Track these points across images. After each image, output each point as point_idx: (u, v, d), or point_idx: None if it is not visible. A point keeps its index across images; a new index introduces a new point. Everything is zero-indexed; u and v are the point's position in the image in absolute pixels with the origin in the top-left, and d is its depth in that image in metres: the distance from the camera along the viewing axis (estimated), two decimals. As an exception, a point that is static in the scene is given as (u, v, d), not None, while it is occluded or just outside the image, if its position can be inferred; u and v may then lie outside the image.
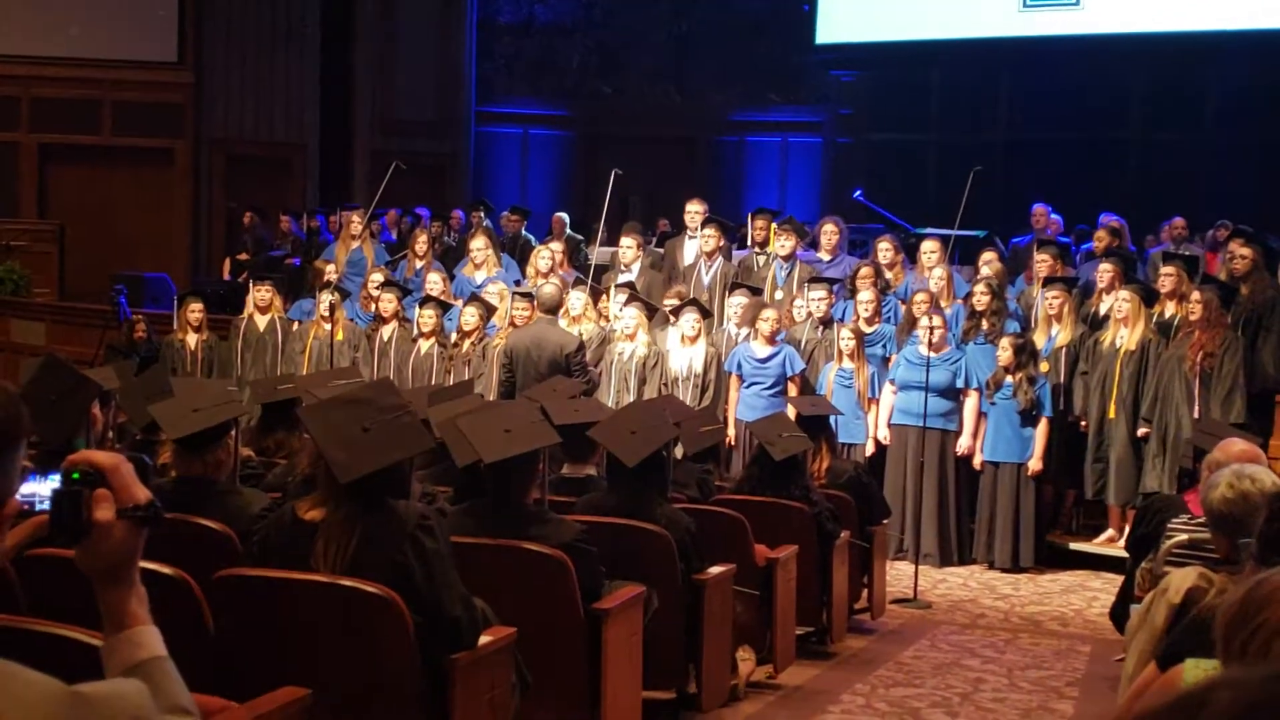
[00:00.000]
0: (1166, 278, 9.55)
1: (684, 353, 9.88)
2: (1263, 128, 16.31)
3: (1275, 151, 16.22)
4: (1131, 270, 10.33)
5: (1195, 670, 2.37)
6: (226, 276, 15.43)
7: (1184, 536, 4.50)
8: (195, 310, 11.26)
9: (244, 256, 15.46)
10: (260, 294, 11.27)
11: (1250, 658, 1.52)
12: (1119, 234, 11.60)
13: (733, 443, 9.68)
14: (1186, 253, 11.18)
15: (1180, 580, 3.64)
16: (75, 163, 17.76)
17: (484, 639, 3.97)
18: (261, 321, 11.21)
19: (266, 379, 9.73)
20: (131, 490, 1.79)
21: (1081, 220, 13.44)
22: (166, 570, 3.79)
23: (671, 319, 10.15)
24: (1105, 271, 9.96)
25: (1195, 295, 8.94)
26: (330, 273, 11.60)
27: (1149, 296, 9.46)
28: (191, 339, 11.18)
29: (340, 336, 10.70)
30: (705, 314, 10.12)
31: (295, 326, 11.20)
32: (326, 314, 10.74)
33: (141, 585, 1.82)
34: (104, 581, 1.79)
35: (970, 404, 9.45)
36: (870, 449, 9.62)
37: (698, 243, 11.28)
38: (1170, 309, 9.46)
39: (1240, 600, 1.58)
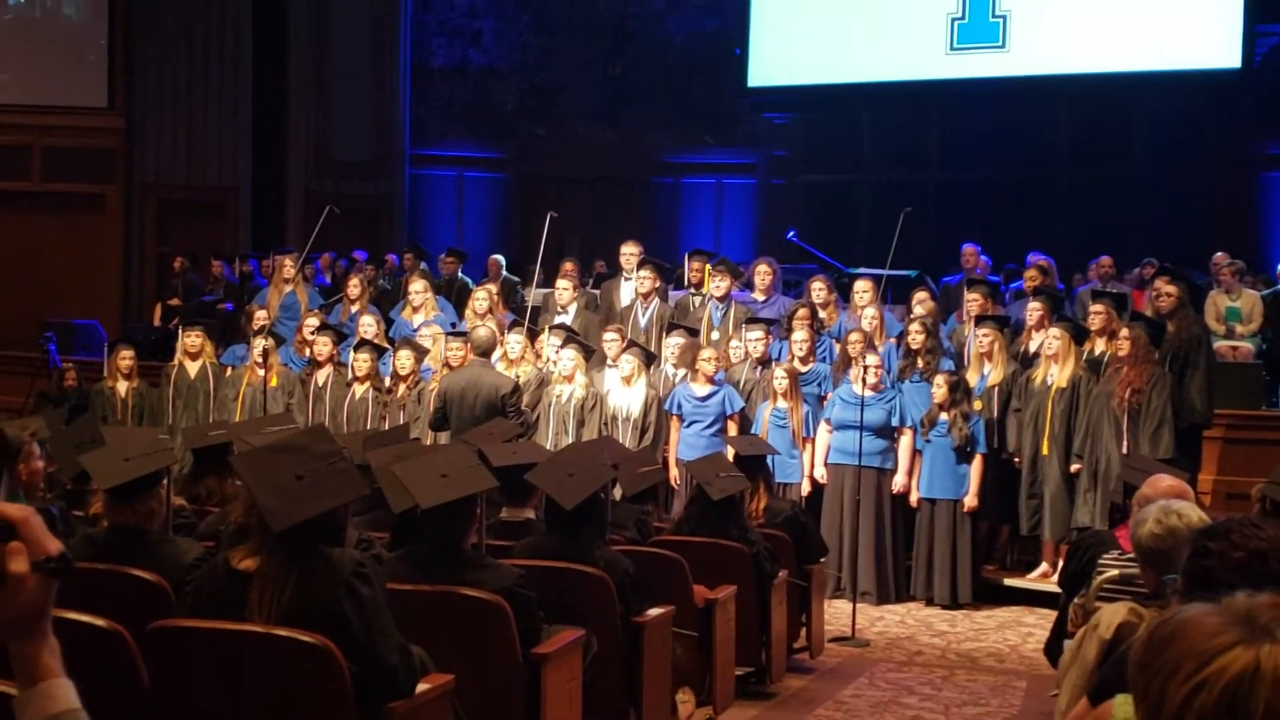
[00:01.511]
0: (1096, 315, 9.68)
1: (623, 394, 9.89)
2: (1185, 166, 16.63)
3: (1198, 190, 16.54)
4: (1060, 308, 10.47)
5: (1125, 706, 2.40)
6: (157, 323, 15.30)
7: (1115, 572, 4.55)
8: (126, 357, 11.13)
9: (175, 302, 15.34)
10: (190, 340, 11.15)
11: (1150, 701, 1.53)
12: (1047, 272, 11.75)
13: (675, 483, 9.70)
14: (1114, 290, 11.35)
15: (1111, 615, 3.68)
16: (4, 209, 17.58)
17: (421, 686, 3.95)
18: (192, 368, 11.09)
19: (198, 425, 9.65)
20: (43, 543, 1.78)
21: (1010, 259, 13.62)
22: (100, 622, 3.75)
23: (611, 361, 10.15)
24: (1034, 310, 10.08)
25: (1124, 332, 9.07)
26: (262, 318, 11.53)
27: (1079, 334, 9.58)
28: (122, 386, 11.04)
29: (274, 382, 10.62)
30: (649, 358, 10.15)
31: (228, 372, 11.10)
32: (260, 359, 10.66)
33: (54, 637, 1.80)
34: (16, 634, 1.77)
35: (905, 442, 9.52)
36: (806, 488, 9.66)
37: (634, 284, 11.33)
38: (1100, 346, 9.59)
39: (1143, 643, 1.59)
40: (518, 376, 9.97)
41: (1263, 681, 1.46)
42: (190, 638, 3.83)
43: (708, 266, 11.51)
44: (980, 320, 9.97)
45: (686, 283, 11.99)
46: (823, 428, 9.66)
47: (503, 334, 10.42)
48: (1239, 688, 1.46)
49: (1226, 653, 1.49)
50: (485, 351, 9.75)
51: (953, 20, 16.80)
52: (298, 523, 3.72)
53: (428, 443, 9.71)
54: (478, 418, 9.05)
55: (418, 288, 11.82)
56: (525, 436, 9.41)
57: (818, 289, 11.16)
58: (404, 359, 10.30)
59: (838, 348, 10.25)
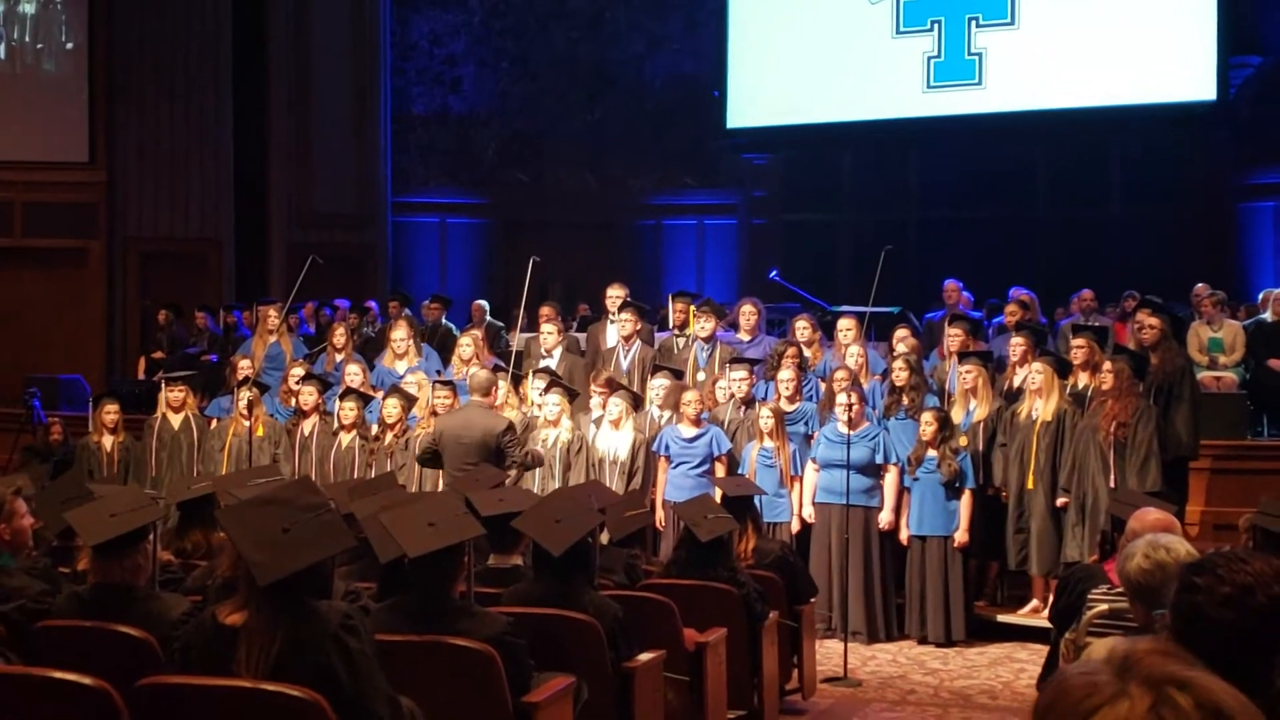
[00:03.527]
0: (1078, 349, 9.70)
1: (610, 437, 9.88)
2: (1164, 198, 16.74)
3: (1177, 221, 16.64)
4: (1042, 342, 10.50)
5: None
6: (142, 376, 15.27)
7: (1105, 607, 4.54)
8: (110, 411, 11.09)
9: (159, 355, 15.32)
10: (173, 394, 11.12)
11: None
12: (1029, 307, 11.80)
13: (660, 525, 9.68)
14: (1096, 324, 11.39)
15: (1101, 651, 3.67)
16: (-14, 265, 17.57)
17: (412, 738, 3.93)
18: (175, 420, 11.06)
19: (182, 478, 9.61)
20: None
21: (992, 295, 13.66)
22: (86, 680, 3.73)
23: (601, 406, 10.13)
24: (1017, 345, 10.10)
25: (1107, 365, 9.09)
26: (246, 368, 11.50)
27: (1062, 368, 9.60)
28: (107, 440, 11.01)
29: (260, 432, 10.59)
30: (636, 402, 10.14)
31: (213, 424, 11.07)
32: (245, 410, 10.63)
33: None
34: None
35: (890, 479, 9.52)
36: (795, 527, 9.65)
37: (618, 327, 11.34)
38: (1083, 380, 9.61)
39: (1035, 710, 1.60)
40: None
41: None
42: (178, 694, 3.81)
43: (692, 308, 11.53)
44: (963, 356, 9.98)
45: (670, 324, 12.01)
46: (810, 467, 9.65)
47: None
48: None
49: (1096, 714, 1.49)
50: (484, 393, 9.68)
51: (929, 58, 16.92)
52: (284, 576, 3.71)
53: (415, 478, 9.72)
54: (471, 459, 9.01)
55: (400, 335, 11.82)
56: (530, 468, 9.43)
57: (802, 328, 11.17)
58: (391, 406, 10.28)
59: (823, 386, 10.26)
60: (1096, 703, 1.49)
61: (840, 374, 9.85)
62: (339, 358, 11.92)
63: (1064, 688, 1.54)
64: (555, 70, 19.82)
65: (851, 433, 9.26)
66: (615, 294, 11.65)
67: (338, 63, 19.01)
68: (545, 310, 12.30)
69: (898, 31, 17.14)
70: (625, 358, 11.11)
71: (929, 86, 16.98)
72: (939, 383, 10.49)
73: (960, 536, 9.34)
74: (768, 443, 9.64)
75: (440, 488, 9.18)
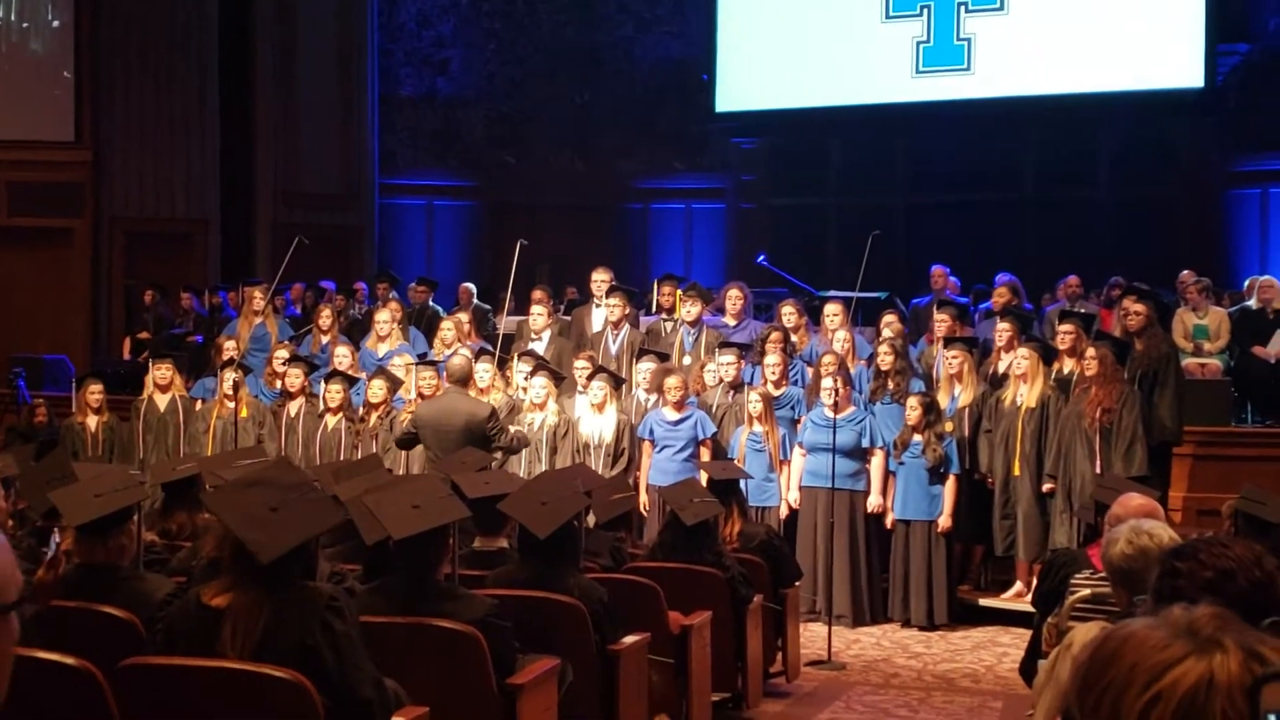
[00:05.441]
0: (1065, 335, 9.72)
1: (595, 421, 9.88)
2: (1151, 186, 16.77)
3: (1164, 208, 16.67)
4: (1029, 328, 10.52)
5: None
6: (127, 356, 15.22)
7: (1087, 591, 4.56)
8: (95, 392, 11.07)
9: (144, 335, 15.26)
10: (160, 373, 11.09)
11: (1102, 717, 1.53)
12: (1016, 293, 11.81)
13: (644, 509, 9.68)
14: (1083, 310, 11.41)
15: (1083, 635, 3.69)
16: (-30, 245, 17.45)
17: (396, 720, 3.93)
18: (162, 401, 11.03)
19: (166, 459, 9.59)
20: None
21: (979, 280, 13.67)
22: (70, 660, 3.72)
23: (582, 388, 10.14)
24: (1003, 330, 10.13)
25: (1090, 352, 9.12)
26: (230, 349, 11.47)
27: (1047, 354, 9.62)
28: (92, 421, 10.98)
29: (244, 414, 10.57)
30: (618, 383, 10.14)
31: (198, 405, 11.04)
32: (230, 392, 10.60)
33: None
34: None
35: (876, 463, 9.54)
36: (784, 511, 9.67)
37: (604, 311, 11.33)
38: (1069, 366, 9.63)
39: (1088, 660, 1.58)
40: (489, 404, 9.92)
41: (1218, 691, 1.47)
42: (162, 675, 3.81)
43: (679, 292, 11.53)
44: (949, 342, 10.01)
45: (656, 308, 12.00)
46: (796, 451, 9.67)
47: (474, 362, 10.37)
48: (1195, 699, 1.47)
49: (1179, 665, 1.49)
50: (461, 380, 9.68)
51: (918, 43, 16.91)
52: (284, 552, 3.71)
53: (401, 460, 9.71)
54: (455, 446, 8.98)
55: (383, 317, 11.80)
56: (516, 451, 9.43)
57: (788, 313, 11.18)
58: (376, 388, 10.27)
59: (810, 371, 10.27)
60: (1177, 654, 1.49)
61: (827, 359, 9.85)
62: (325, 339, 11.90)
63: (1134, 639, 1.53)
64: (543, 53, 19.76)
65: (837, 417, 9.27)
66: (600, 278, 11.63)
67: (325, 43, 18.92)
68: (537, 294, 12.30)
69: (887, 16, 17.13)
70: (614, 342, 11.10)
71: (918, 71, 16.96)
72: (926, 368, 10.51)
73: (944, 521, 9.37)
74: (757, 427, 9.65)
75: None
